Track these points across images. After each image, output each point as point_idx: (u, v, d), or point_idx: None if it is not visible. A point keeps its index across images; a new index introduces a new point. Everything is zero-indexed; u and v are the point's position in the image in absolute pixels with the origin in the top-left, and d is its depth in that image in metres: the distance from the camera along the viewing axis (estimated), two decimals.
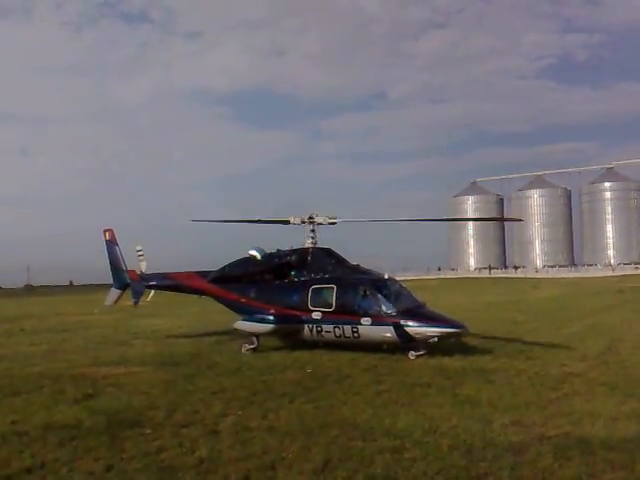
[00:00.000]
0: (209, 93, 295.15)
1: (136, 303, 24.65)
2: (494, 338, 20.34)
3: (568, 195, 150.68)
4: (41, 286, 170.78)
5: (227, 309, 22.26)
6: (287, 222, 20.85)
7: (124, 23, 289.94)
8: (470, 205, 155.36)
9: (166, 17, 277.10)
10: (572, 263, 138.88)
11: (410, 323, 17.12)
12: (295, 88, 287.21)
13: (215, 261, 23.60)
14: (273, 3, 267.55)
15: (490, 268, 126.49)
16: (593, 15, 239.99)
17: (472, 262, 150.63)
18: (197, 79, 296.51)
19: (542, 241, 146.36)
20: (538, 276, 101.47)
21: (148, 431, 9.83)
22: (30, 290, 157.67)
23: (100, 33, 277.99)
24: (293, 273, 20.05)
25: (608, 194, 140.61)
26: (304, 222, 20.75)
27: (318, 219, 20.69)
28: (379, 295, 17.98)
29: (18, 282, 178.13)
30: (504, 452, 8.42)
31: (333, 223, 20.92)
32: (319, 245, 20.56)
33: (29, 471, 8.10)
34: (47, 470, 8.14)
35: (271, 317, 19.22)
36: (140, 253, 24.65)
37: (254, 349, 19.01)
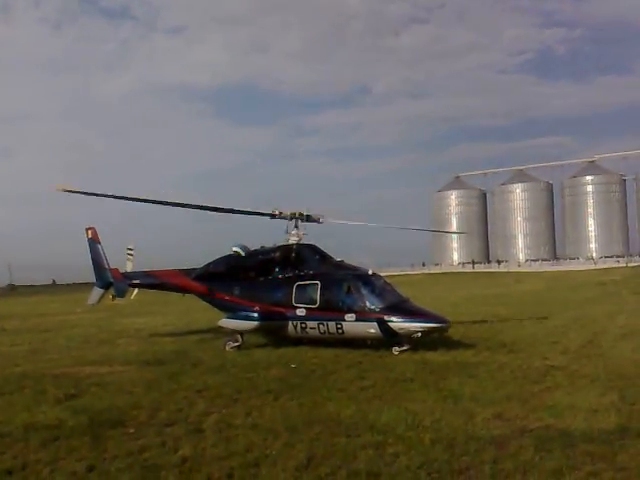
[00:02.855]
0: (191, 89, 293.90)
1: (120, 296, 24.44)
2: (477, 332, 20.47)
3: (550, 189, 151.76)
4: (23, 285, 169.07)
5: (211, 307, 22.21)
6: (272, 216, 20.68)
7: (105, 19, 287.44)
8: (453, 200, 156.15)
9: (147, 13, 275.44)
10: (554, 257, 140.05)
11: (394, 318, 17.19)
12: (277, 84, 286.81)
13: (198, 258, 23.53)
14: None
15: (473, 263, 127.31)
16: (573, 9, 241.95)
17: (456, 257, 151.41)
18: (179, 75, 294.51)
19: (525, 235, 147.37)
20: (521, 270, 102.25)
21: (131, 430, 9.80)
22: (12, 289, 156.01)
23: (80, 29, 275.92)
24: (277, 270, 20.02)
25: (590, 187, 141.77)
26: (287, 218, 20.71)
27: (304, 216, 20.68)
28: (363, 291, 18.02)
29: (0, 281, 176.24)
30: (486, 445, 8.48)
31: (318, 222, 20.93)
32: (303, 242, 20.56)
33: (10, 472, 8.05)
34: (29, 471, 8.09)
35: (255, 314, 19.19)
36: (130, 252, 24.46)
37: (238, 346, 18.98)
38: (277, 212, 20.52)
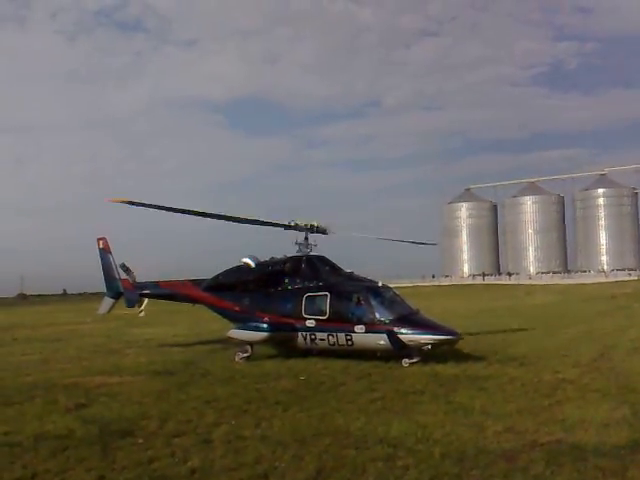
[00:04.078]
0: (204, 101, 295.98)
1: (130, 307, 24.53)
2: (487, 345, 20.35)
3: (561, 202, 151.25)
4: (34, 295, 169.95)
5: (221, 317, 22.23)
6: (287, 227, 20.81)
7: (119, 31, 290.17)
8: (464, 212, 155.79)
9: (161, 25, 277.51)
10: (565, 269, 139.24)
11: (404, 330, 17.13)
12: (289, 96, 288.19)
13: (210, 269, 23.62)
14: (267, 12, 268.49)
15: (484, 275, 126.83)
16: (584, 23, 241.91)
17: (466, 269, 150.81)
18: (192, 87, 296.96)
19: (535, 248, 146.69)
20: (532, 283, 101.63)
21: (140, 441, 9.79)
22: (23, 299, 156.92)
23: (95, 41, 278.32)
24: (287, 281, 20.04)
25: (601, 200, 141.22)
26: (298, 229, 20.78)
27: (314, 227, 20.75)
28: (373, 303, 17.98)
29: (11, 291, 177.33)
30: (496, 459, 8.42)
31: (326, 233, 20.93)
32: (313, 253, 20.59)
33: None
34: None
35: (265, 325, 19.19)
36: (126, 268, 24.57)
37: (248, 357, 18.97)
38: (293, 223, 20.65)
